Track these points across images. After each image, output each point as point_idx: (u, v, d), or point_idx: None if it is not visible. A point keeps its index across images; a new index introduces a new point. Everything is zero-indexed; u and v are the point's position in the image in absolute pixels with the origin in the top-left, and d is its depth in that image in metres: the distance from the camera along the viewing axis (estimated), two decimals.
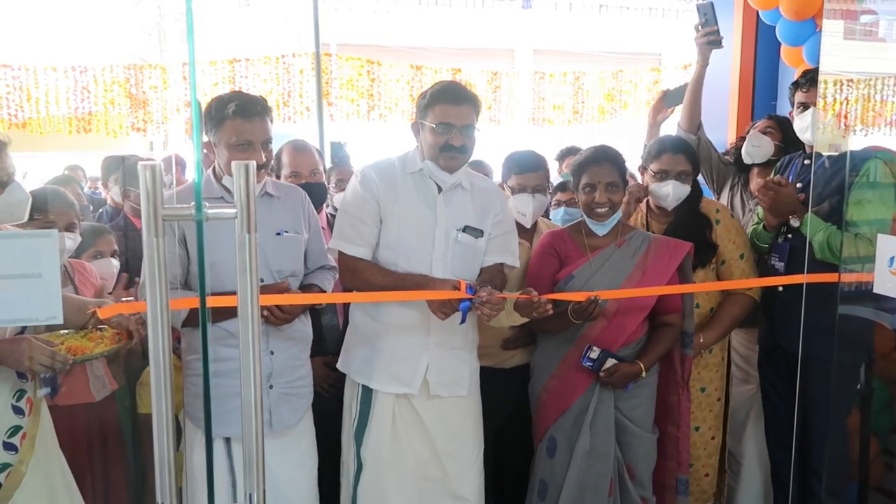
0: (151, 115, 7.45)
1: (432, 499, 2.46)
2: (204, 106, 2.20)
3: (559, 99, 8.72)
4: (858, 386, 2.69)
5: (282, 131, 4.88)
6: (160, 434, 1.08)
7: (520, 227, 2.69)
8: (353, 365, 2.46)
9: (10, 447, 1.92)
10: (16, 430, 1.95)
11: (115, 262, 2.89)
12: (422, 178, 2.40)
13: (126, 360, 2.74)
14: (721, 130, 4.10)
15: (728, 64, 4.14)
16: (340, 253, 2.39)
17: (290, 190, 2.48)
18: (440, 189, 2.39)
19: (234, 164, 1.08)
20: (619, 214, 2.59)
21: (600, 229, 2.57)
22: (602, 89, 8.70)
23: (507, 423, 2.76)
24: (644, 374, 2.49)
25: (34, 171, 6.05)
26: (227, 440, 2.22)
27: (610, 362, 2.45)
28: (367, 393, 2.42)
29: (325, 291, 2.49)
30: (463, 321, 2.25)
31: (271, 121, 2.26)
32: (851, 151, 2.61)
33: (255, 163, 1.09)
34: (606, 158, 2.54)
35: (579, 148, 4.34)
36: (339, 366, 2.52)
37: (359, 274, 2.37)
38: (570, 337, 2.55)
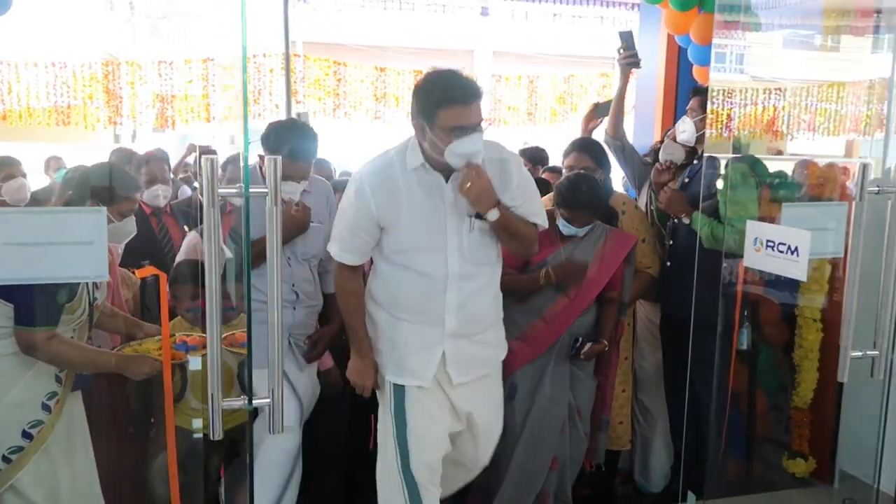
0: (120, 109, 7.76)
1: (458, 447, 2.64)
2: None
3: (514, 101, 9.26)
4: (745, 347, 3.29)
5: (253, 127, 5.31)
6: (211, 330, 1.58)
7: None
8: (379, 359, 2.54)
9: (46, 408, 2.31)
10: (52, 394, 2.32)
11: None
12: (425, 172, 2.34)
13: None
14: (649, 135, 4.70)
15: (654, 79, 4.75)
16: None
17: (318, 184, 2.83)
18: (446, 179, 2.35)
19: (266, 158, 1.59)
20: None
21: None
22: (554, 93, 9.25)
23: None
24: (607, 347, 3.03)
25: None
26: None
27: (587, 346, 2.96)
28: None
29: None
30: None
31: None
32: (726, 156, 3.18)
33: (279, 158, 1.58)
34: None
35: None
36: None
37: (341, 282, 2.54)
38: (537, 312, 2.99)
